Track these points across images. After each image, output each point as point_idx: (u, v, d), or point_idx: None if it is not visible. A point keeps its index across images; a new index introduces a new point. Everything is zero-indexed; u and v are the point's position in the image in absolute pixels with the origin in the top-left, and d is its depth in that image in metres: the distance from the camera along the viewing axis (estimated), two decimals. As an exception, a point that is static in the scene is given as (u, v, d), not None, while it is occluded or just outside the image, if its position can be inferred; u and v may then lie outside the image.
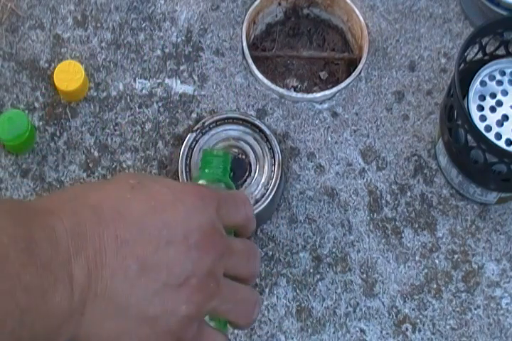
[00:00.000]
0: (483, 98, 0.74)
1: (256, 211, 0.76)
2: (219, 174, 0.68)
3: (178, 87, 0.84)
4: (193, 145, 0.78)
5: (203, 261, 0.55)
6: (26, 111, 0.83)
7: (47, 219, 0.53)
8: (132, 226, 0.54)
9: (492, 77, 0.75)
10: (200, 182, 0.67)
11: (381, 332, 0.77)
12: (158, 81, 0.84)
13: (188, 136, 0.78)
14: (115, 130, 0.83)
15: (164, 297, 0.54)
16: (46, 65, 0.85)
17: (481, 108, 0.74)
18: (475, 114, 0.74)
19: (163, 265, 0.54)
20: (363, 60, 0.84)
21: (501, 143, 0.73)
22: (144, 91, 0.84)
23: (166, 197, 0.56)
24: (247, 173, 0.77)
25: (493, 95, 0.74)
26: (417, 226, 0.80)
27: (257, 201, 0.77)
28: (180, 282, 0.54)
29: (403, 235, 0.80)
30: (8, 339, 0.50)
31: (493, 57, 0.76)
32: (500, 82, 0.75)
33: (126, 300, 0.53)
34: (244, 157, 0.78)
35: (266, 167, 0.78)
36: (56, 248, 0.52)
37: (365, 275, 0.79)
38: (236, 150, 0.78)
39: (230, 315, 0.58)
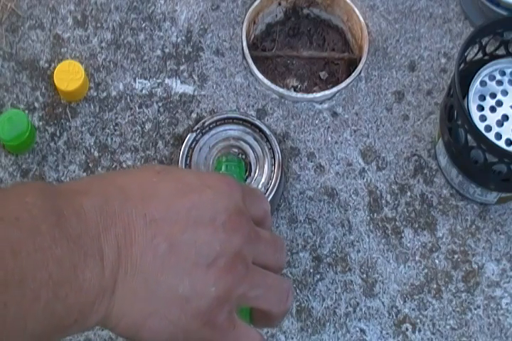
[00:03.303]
0: (483, 98, 0.74)
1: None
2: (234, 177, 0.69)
3: (178, 87, 0.84)
4: (193, 145, 0.78)
5: (230, 242, 0.55)
6: (26, 111, 0.83)
7: (75, 197, 0.53)
8: (160, 205, 0.54)
9: (492, 77, 0.75)
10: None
11: (381, 332, 0.77)
12: (158, 81, 0.84)
13: (188, 136, 0.78)
14: (115, 130, 0.83)
15: (194, 276, 0.53)
16: (46, 65, 0.85)
17: (481, 108, 0.74)
18: (475, 114, 0.74)
19: (192, 244, 0.54)
20: (363, 60, 0.84)
21: (501, 143, 0.73)
22: (143, 91, 0.84)
23: (194, 181, 0.56)
24: (247, 173, 0.77)
25: (493, 95, 0.74)
26: (417, 226, 0.80)
27: (257, 201, 0.77)
28: (209, 262, 0.54)
29: (403, 235, 0.80)
30: (43, 313, 0.50)
31: (493, 57, 0.76)
32: (500, 82, 0.75)
33: (156, 278, 0.53)
34: (244, 157, 0.78)
35: (266, 167, 0.78)
36: (86, 224, 0.52)
37: (365, 275, 0.79)
38: (236, 150, 0.78)
39: (261, 301, 0.57)
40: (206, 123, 0.78)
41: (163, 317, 0.54)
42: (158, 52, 0.85)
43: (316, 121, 0.83)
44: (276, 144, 0.78)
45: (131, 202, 0.54)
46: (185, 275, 0.53)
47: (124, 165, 0.82)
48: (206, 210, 0.55)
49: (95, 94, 0.84)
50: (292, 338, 0.77)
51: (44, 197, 0.52)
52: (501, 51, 0.76)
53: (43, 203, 0.52)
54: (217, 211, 0.55)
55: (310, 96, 0.83)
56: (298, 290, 0.78)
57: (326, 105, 0.84)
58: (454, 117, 0.73)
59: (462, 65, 0.74)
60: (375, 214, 0.80)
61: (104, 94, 0.84)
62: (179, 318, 0.54)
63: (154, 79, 0.84)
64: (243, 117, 0.79)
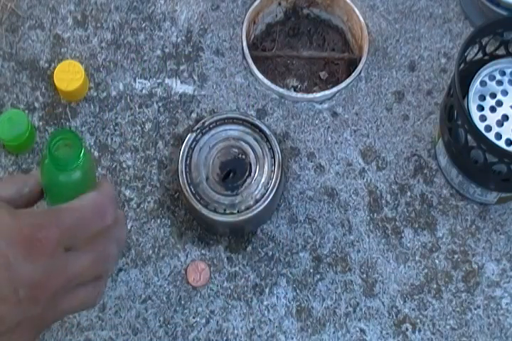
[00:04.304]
0: (483, 98, 0.74)
1: (256, 211, 0.76)
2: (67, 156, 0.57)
3: (178, 87, 0.84)
4: (193, 145, 0.78)
5: (35, 308, 0.55)
6: (26, 111, 0.83)
7: None
8: None
9: (492, 77, 0.75)
10: (47, 170, 0.57)
11: (381, 332, 0.77)
12: (158, 81, 0.84)
13: (188, 136, 0.78)
14: (115, 130, 0.83)
15: None
16: (46, 65, 0.85)
17: (481, 108, 0.74)
18: (475, 114, 0.74)
19: None
20: (363, 60, 0.84)
21: (501, 143, 0.73)
22: (144, 91, 0.84)
23: None
24: (247, 173, 0.77)
25: (493, 95, 0.74)
26: (417, 226, 0.80)
27: (257, 201, 0.77)
28: (12, 329, 0.55)
29: (403, 235, 0.80)
30: None
31: (493, 57, 0.76)
32: (500, 82, 0.75)
33: None
34: (244, 157, 0.78)
35: (266, 167, 0.78)
36: None
37: (365, 275, 0.79)
38: (236, 150, 0.78)
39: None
40: (206, 123, 0.78)
41: None
42: (158, 52, 0.85)
43: (316, 121, 0.83)
44: (276, 144, 0.78)
45: None
46: None
47: (124, 165, 0.82)
48: (8, 288, 0.53)
49: (95, 94, 0.84)
50: (292, 338, 0.77)
51: None
52: (501, 51, 0.76)
53: None
54: (19, 286, 0.54)
55: (310, 96, 0.83)
56: (298, 290, 0.78)
57: (326, 105, 0.84)
58: (454, 117, 0.73)
59: (462, 65, 0.74)
60: (375, 214, 0.80)
61: (104, 94, 0.84)
62: None
63: (154, 79, 0.84)
64: (243, 117, 0.79)
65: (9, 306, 0.54)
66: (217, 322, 0.78)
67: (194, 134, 0.78)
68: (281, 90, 0.83)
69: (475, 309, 0.78)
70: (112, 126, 0.83)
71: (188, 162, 0.78)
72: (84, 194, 0.57)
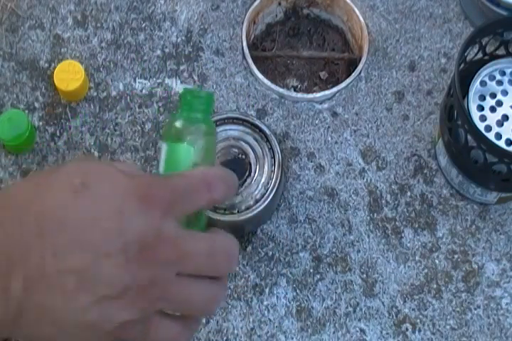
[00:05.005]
0: (483, 98, 0.74)
1: (256, 211, 0.76)
2: (198, 116, 0.62)
3: (178, 87, 0.84)
4: (193, 145, 0.78)
5: (143, 273, 0.53)
6: (26, 111, 0.83)
7: None
8: (71, 237, 0.53)
9: (492, 77, 0.75)
10: (178, 122, 0.61)
11: (381, 332, 0.77)
12: (158, 81, 0.84)
13: (188, 136, 0.78)
14: (115, 130, 0.83)
15: (102, 307, 0.53)
16: (46, 65, 0.85)
17: (481, 108, 0.74)
18: (475, 114, 0.74)
19: (101, 279, 0.53)
20: (363, 60, 0.84)
21: (501, 143, 0.73)
22: (144, 91, 0.84)
23: (109, 203, 0.54)
24: (247, 173, 0.77)
25: (493, 95, 0.74)
26: (417, 226, 0.80)
27: (257, 201, 0.76)
28: (119, 294, 0.53)
29: (403, 235, 0.80)
30: None
31: (493, 57, 0.76)
32: (500, 82, 0.75)
33: (63, 313, 0.53)
34: (244, 157, 0.78)
35: (266, 167, 0.78)
36: None
37: (365, 276, 0.79)
38: (236, 150, 0.78)
39: (181, 311, 0.57)
40: (206, 123, 0.78)
41: (73, 338, 0.54)
42: (158, 52, 0.85)
43: (316, 121, 0.83)
44: (276, 144, 0.78)
45: (43, 235, 0.53)
46: (94, 307, 0.53)
47: (124, 165, 0.82)
48: (118, 241, 0.53)
49: (95, 94, 0.84)
50: (292, 338, 0.77)
51: None
52: (501, 51, 0.76)
53: None
54: (130, 241, 0.53)
55: (310, 96, 0.83)
56: (298, 290, 0.78)
57: (326, 105, 0.84)
58: (454, 117, 0.73)
59: (462, 65, 0.74)
60: (375, 214, 0.80)
61: (104, 94, 0.84)
62: (90, 339, 0.54)
63: (154, 79, 0.84)
64: (243, 117, 0.79)
65: (115, 264, 0.53)
66: (217, 322, 0.78)
67: (194, 134, 0.78)
68: (281, 90, 0.83)
69: (475, 309, 0.78)
70: (111, 126, 0.83)
71: (188, 162, 0.78)
72: (196, 167, 0.59)
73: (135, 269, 0.53)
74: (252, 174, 0.77)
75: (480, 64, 0.75)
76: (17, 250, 0.53)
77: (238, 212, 0.76)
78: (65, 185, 0.55)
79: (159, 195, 0.55)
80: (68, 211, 0.54)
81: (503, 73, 0.75)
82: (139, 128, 0.83)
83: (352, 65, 0.87)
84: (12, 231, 0.53)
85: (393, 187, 0.81)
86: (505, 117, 0.74)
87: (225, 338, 0.77)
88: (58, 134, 0.83)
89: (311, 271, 0.79)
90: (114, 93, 0.84)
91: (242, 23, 0.86)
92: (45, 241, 0.53)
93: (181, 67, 0.85)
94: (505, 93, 0.74)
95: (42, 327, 0.53)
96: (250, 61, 0.84)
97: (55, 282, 0.52)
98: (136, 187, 0.55)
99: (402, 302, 0.78)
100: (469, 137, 0.71)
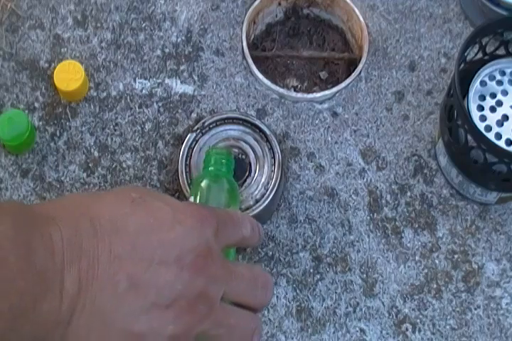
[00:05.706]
0: (483, 98, 0.74)
1: (256, 211, 0.76)
2: (221, 171, 0.70)
3: (178, 87, 0.84)
4: (193, 145, 0.78)
5: (194, 283, 0.54)
6: (26, 111, 0.83)
7: (46, 226, 0.53)
8: (127, 242, 0.54)
9: (492, 77, 0.75)
10: (204, 182, 0.68)
11: (381, 332, 0.77)
12: (158, 81, 0.84)
13: (188, 136, 0.78)
14: (115, 130, 0.83)
15: (151, 315, 0.53)
16: (46, 64, 0.85)
17: (481, 108, 0.74)
18: (475, 114, 0.74)
19: (153, 284, 0.53)
20: (363, 60, 0.84)
21: (501, 143, 0.73)
22: (143, 91, 0.84)
23: (165, 215, 0.56)
24: (247, 173, 0.77)
25: (493, 95, 0.74)
26: (417, 226, 0.80)
27: (257, 201, 0.77)
28: (169, 302, 0.54)
29: (403, 235, 0.80)
30: None
31: (493, 57, 0.76)
32: (500, 82, 0.75)
33: (112, 315, 0.53)
34: (244, 157, 0.78)
35: (266, 167, 0.78)
36: (52, 257, 0.52)
37: (365, 276, 0.79)
38: (236, 150, 0.78)
39: (222, 339, 0.57)
40: (206, 123, 0.78)
41: None
42: (158, 52, 0.85)
43: (316, 121, 0.83)
44: (276, 144, 0.78)
45: (99, 237, 0.54)
46: (142, 314, 0.53)
47: (124, 165, 0.82)
48: (173, 250, 0.54)
49: (95, 94, 0.84)
50: (292, 338, 0.77)
51: (15, 227, 0.52)
52: (501, 51, 0.76)
53: (14, 234, 0.52)
54: (184, 250, 0.55)
55: (310, 96, 0.83)
56: (298, 290, 0.78)
57: (326, 105, 0.84)
58: (454, 117, 0.73)
59: (462, 65, 0.74)
60: (375, 214, 0.80)
61: (104, 94, 0.84)
62: None
63: (154, 79, 0.84)
64: (243, 117, 0.79)
65: (169, 272, 0.53)
66: (217, 322, 0.78)
67: (194, 134, 0.78)
68: (281, 90, 0.83)
69: (475, 309, 0.78)
70: (111, 126, 0.83)
71: (188, 162, 0.78)
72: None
73: (187, 279, 0.54)
74: (252, 174, 0.78)
75: (480, 64, 0.75)
76: (71, 249, 0.53)
77: (238, 212, 0.76)
78: (122, 196, 0.57)
79: (210, 216, 0.57)
80: (125, 217, 0.55)
81: (503, 73, 0.75)
82: (139, 128, 0.83)
83: (352, 64, 0.87)
84: (68, 230, 0.53)
85: (393, 187, 0.81)
86: (505, 117, 0.74)
87: (225, 338, 0.77)
88: (58, 134, 0.83)
89: (311, 271, 0.79)
90: (114, 93, 0.84)
91: (242, 23, 0.86)
92: (100, 241, 0.53)
93: (181, 67, 0.85)
94: (505, 93, 0.74)
95: (89, 334, 0.53)
96: (250, 61, 0.84)
97: (107, 282, 0.53)
98: (188, 206, 0.58)
99: (402, 302, 0.78)
100: (469, 137, 0.71)
